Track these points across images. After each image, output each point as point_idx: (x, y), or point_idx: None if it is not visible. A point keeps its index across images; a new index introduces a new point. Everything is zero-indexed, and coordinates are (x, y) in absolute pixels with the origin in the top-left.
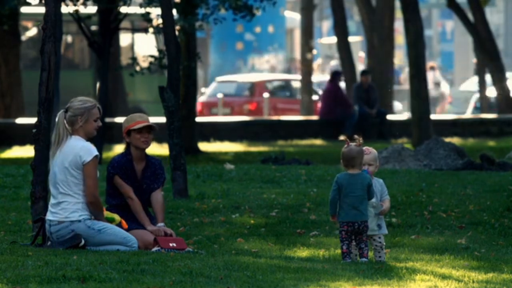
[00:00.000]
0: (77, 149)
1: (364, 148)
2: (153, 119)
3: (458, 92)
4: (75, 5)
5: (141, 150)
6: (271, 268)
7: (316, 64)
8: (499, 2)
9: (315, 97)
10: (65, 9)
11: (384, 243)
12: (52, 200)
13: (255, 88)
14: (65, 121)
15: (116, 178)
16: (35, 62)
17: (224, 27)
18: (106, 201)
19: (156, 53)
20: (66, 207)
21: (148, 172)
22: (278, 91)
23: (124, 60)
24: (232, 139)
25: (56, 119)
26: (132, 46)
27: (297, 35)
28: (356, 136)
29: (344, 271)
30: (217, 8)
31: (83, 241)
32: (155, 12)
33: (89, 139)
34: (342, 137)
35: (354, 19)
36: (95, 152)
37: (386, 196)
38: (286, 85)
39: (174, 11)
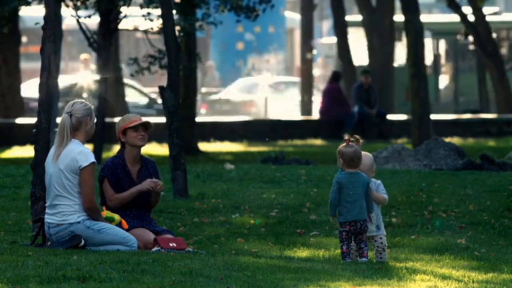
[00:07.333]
0: (74, 153)
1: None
2: None
3: None
4: (75, 5)
5: (138, 149)
6: (271, 268)
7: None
8: (499, 2)
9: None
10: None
11: (386, 244)
12: (47, 201)
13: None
14: (69, 125)
15: (105, 182)
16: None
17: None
18: (101, 203)
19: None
20: (64, 210)
21: (144, 173)
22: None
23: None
24: (232, 139)
25: (61, 122)
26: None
27: (297, 35)
28: (357, 136)
29: (344, 271)
30: (219, 9)
31: (83, 242)
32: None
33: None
34: (346, 137)
35: None
36: (92, 159)
37: (383, 193)
38: None
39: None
